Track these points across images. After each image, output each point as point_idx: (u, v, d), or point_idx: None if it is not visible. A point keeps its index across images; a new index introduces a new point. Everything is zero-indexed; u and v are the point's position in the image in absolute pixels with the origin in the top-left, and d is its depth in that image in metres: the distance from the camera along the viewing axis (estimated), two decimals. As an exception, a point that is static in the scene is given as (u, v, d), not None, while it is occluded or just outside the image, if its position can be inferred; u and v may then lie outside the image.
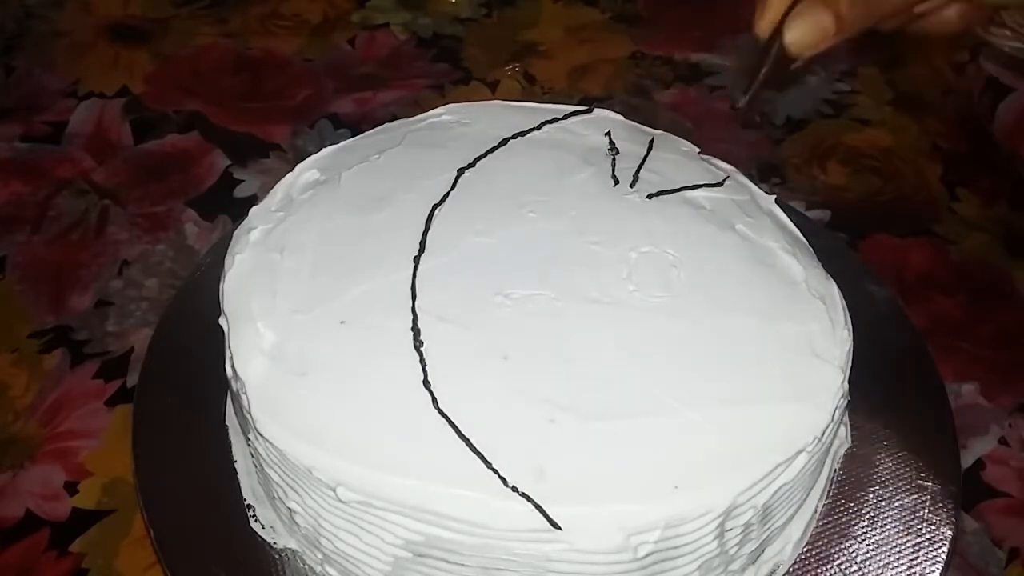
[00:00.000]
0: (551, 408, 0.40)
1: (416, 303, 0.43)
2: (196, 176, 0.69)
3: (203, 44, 0.81)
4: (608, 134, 0.52)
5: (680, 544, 0.38)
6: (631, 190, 0.50)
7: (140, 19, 0.83)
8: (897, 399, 0.51)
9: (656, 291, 0.45)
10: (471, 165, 0.50)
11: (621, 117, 0.54)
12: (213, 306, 0.45)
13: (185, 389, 0.50)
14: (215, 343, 0.44)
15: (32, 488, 0.52)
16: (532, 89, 0.78)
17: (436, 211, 0.47)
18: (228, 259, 0.46)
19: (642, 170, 0.50)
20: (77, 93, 0.75)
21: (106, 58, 0.79)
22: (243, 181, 0.69)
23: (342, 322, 0.43)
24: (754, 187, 0.52)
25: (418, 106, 0.75)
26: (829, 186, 0.72)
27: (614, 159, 0.51)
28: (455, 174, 0.49)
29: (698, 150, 0.54)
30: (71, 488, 0.52)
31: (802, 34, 0.37)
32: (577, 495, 0.37)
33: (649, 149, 0.52)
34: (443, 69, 0.80)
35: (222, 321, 0.44)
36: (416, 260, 0.45)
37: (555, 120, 0.54)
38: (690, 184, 0.50)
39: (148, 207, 0.67)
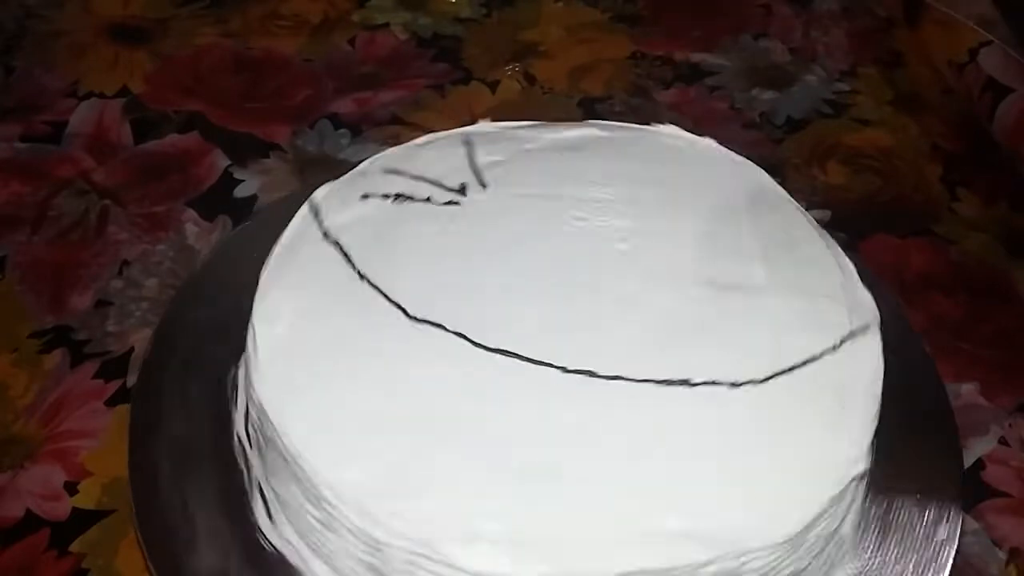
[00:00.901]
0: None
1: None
2: (196, 176, 0.69)
3: (203, 44, 0.81)
4: None
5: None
6: None
7: (140, 19, 0.82)
8: (897, 399, 0.51)
9: None
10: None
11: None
12: (213, 306, 0.45)
13: (185, 389, 0.50)
14: (215, 343, 0.44)
15: (32, 488, 0.52)
16: (532, 89, 0.78)
17: None
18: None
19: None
20: (77, 93, 0.75)
21: (106, 58, 0.79)
22: (243, 181, 0.69)
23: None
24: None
25: (418, 106, 0.75)
26: (829, 186, 0.72)
27: None
28: None
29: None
30: (71, 488, 0.52)
31: None
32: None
33: None
34: (443, 69, 0.80)
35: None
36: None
37: None
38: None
39: (148, 207, 0.67)
